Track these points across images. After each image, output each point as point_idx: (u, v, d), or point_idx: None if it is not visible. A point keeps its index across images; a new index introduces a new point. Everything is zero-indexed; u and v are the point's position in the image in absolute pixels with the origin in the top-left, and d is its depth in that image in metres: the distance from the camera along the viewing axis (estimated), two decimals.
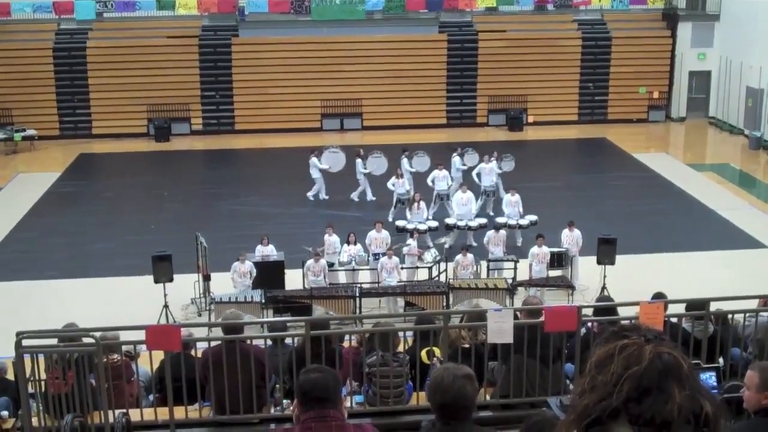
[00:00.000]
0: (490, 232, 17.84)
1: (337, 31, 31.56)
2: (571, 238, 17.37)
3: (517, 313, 8.21)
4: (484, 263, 17.00)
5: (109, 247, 20.03)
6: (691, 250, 19.44)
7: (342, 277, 17.01)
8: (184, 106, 31.49)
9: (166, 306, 15.37)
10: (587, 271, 16.94)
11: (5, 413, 8.65)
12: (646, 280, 14.68)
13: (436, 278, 16.75)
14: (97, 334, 7.59)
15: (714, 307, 8.34)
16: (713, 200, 23.17)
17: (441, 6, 32.47)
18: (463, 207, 19.73)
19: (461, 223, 19.33)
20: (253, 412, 7.66)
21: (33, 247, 20.11)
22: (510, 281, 16.07)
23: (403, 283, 16.16)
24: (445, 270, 16.68)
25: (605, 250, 16.37)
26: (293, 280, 16.36)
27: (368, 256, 17.17)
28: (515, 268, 16.63)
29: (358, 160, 23.22)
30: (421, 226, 18.97)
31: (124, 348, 8.45)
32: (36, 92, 30.70)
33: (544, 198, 19.65)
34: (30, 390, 7.47)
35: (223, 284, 16.22)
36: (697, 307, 8.45)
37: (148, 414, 7.78)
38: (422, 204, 19.61)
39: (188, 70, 31.38)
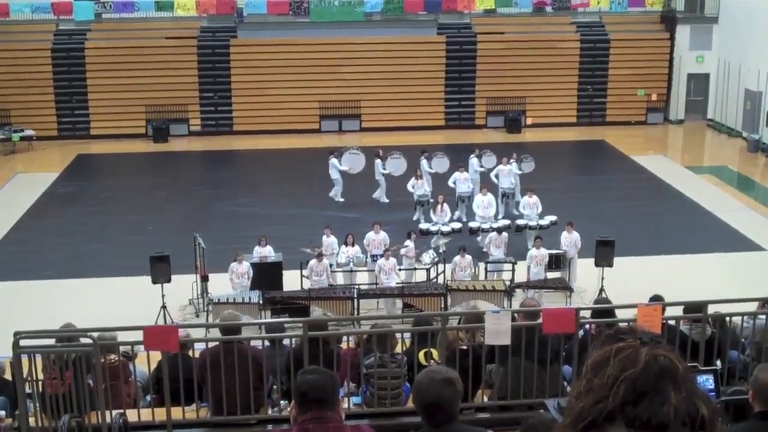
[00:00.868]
0: (492, 234, 17.84)
1: (335, 33, 31.53)
2: (569, 240, 17.37)
3: (515, 315, 8.22)
4: (482, 265, 17.02)
5: (107, 247, 20.02)
6: (689, 252, 19.45)
7: (340, 278, 17.01)
8: (182, 107, 31.48)
9: (164, 307, 15.35)
10: (585, 273, 16.96)
11: (2, 413, 8.64)
12: (643, 283, 14.70)
13: (434, 280, 16.76)
14: (95, 334, 7.59)
15: (712, 309, 8.33)
16: (711, 203, 23.17)
17: (439, 8, 32.47)
18: (486, 210, 19.77)
19: (485, 226, 19.15)
20: (251, 413, 7.67)
21: (31, 248, 20.12)
22: (508, 283, 16.08)
23: (401, 285, 16.16)
24: (443, 271, 16.68)
25: (603, 252, 16.38)
26: (291, 281, 16.36)
27: (366, 258, 17.18)
28: (513, 270, 16.64)
29: (378, 161, 23.25)
30: (445, 228, 19.00)
31: (121, 348, 8.45)
32: (34, 93, 30.67)
33: (543, 200, 19.68)
34: (27, 390, 7.46)
35: (221, 285, 16.23)
36: (694, 309, 8.44)
37: (146, 414, 7.79)
38: (446, 206, 19.63)
39: (187, 71, 31.37)
